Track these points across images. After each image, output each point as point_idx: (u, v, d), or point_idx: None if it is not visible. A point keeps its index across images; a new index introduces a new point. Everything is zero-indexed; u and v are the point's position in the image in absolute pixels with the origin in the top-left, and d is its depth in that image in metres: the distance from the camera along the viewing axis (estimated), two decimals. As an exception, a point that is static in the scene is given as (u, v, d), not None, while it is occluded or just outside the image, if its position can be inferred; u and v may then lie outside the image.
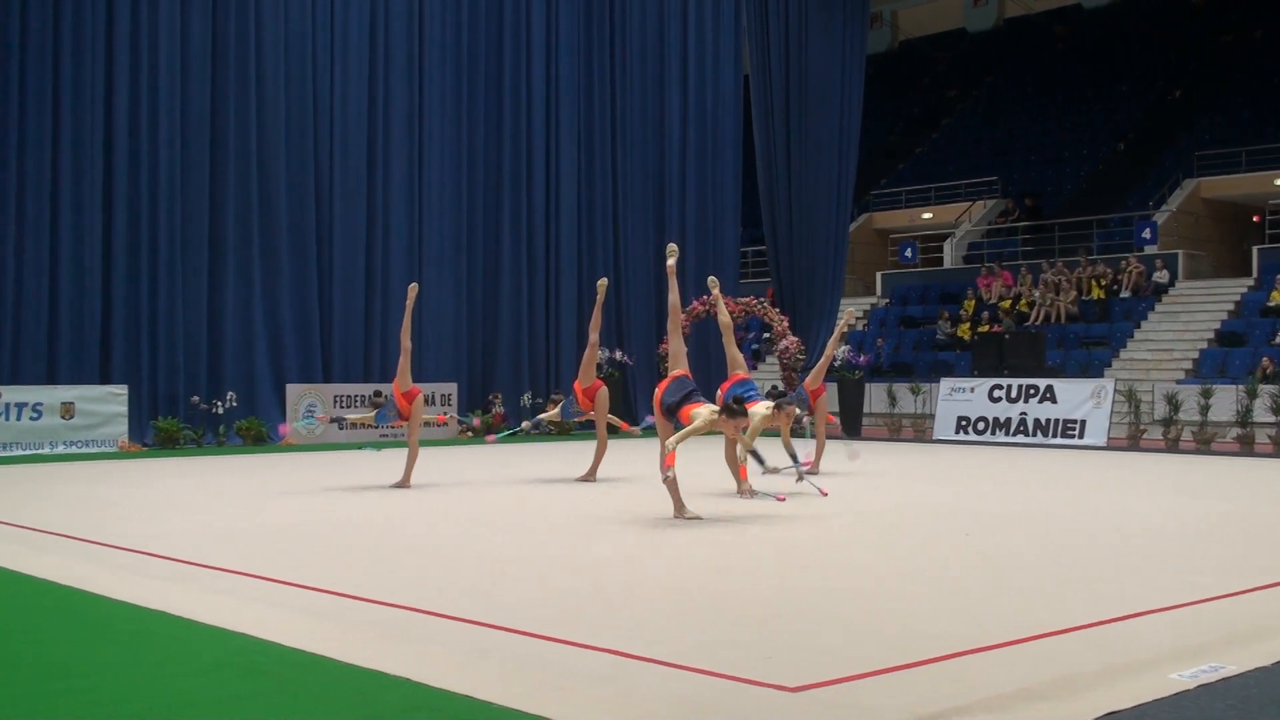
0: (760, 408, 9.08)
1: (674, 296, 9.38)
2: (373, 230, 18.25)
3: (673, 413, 8.38)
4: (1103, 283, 23.81)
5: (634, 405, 20.97)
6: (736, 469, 9.91)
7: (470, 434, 18.23)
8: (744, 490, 9.78)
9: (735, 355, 9.84)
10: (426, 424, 14.42)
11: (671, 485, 8.30)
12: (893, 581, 6.06)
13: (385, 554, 6.97)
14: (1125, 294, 23.64)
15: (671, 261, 9.53)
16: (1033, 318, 23.70)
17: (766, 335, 24.11)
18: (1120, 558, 6.97)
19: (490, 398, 18.98)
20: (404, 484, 10.71)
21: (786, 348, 19.25)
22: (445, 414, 11.15)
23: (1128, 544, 7.52)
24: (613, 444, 16.79)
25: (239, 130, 16.82)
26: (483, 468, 13.22)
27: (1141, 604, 5.44)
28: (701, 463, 12.22)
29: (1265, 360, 19.07)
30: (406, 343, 10.92)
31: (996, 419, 17.84)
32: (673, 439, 8.05)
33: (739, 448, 9.41)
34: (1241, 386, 17.29)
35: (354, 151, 18.04)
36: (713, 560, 6.74)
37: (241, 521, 8.41)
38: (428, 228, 18.84)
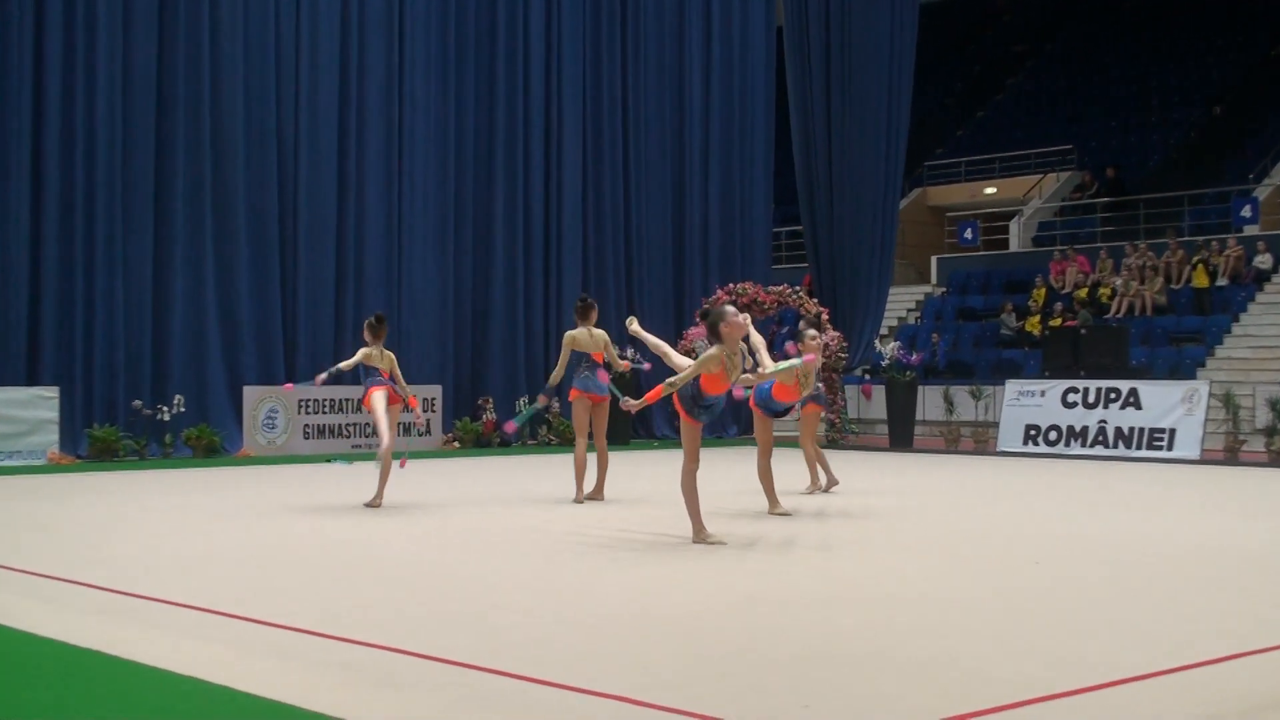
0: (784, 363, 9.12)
1: (661, 346, 9.38)
2: (344, 209, 18.28)
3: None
4: (1209, 265, 23.48)
5: (648, 411, 20.98)
6: (769, 485, 9.96)
7: (457, 444, 18.27)
8: (776, 509, 9.84)
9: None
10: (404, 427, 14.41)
11: (691, 504, 8.36)
12: (953, 616, 6.03)
13: (359, 584, 6.97)
14: (1222, 282, 23.53)
15: (635, 327, 10.20)
16: (1113, 309, 23.63)
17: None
18: (1215, 591, 6.93)
19: (480, 402, 19.00)
20: (374, 502, 10.71)
21: (826, 344, 19.20)
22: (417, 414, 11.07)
23: (1223, 575, 7.47)
24: (624, 457, 16.79)
25: (189, 93, 16.85)
26: (473, 484, 13.23)
27: (1240, 644, 5.41)
28: (726, 479, 12.20)
29: (1387, 359, 18.98)
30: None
31: (1071, 428, 17.78)
32: (675, 379, 8.01)
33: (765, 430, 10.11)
34: (1359, 390, 17.20)
35: (323, 118, 18.06)
36: (740, 592, 6.72)
37: (191, 546, 8.42)
38: (408, 207, 18.87)
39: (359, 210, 18.41)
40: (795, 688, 4.70)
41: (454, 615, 6.06)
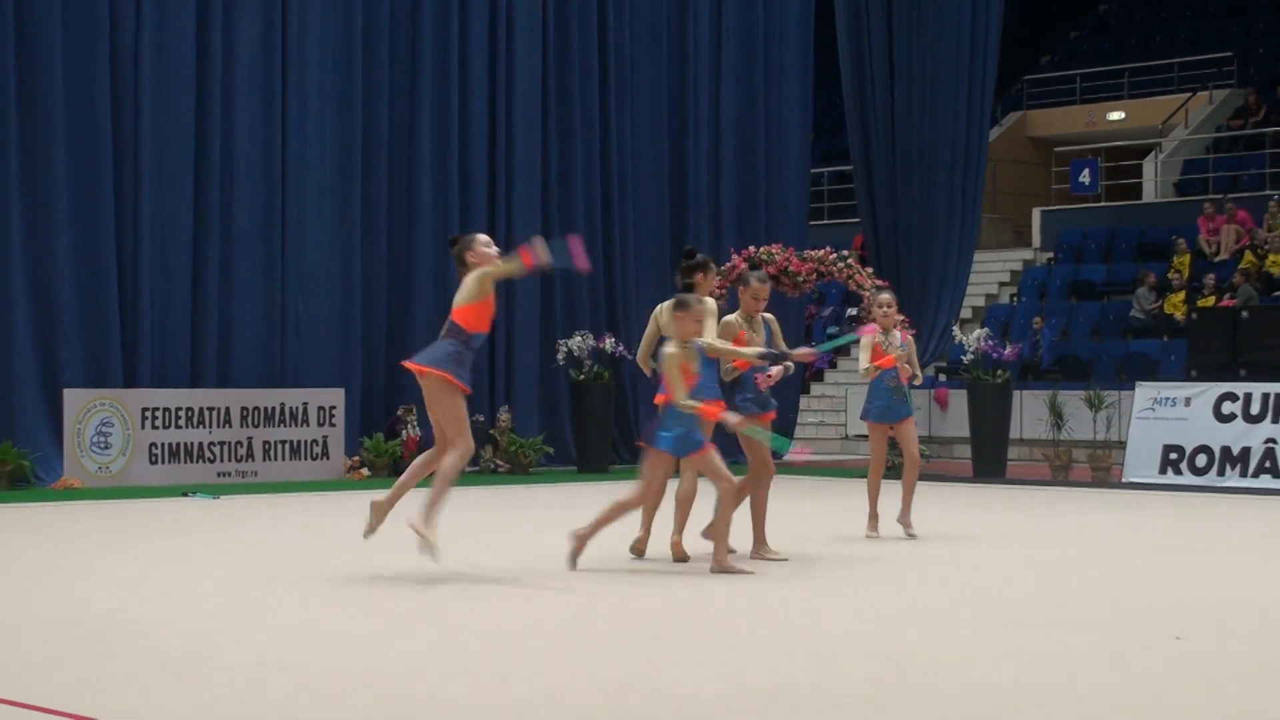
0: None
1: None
2: (206, 138, 18.24)
3: None
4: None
5: (634, 425, 21.02)
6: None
7: (366, 472, 18.26)
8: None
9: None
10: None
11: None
12: (1057, 714, 6.08)
13: (232, 669, 7.00)
14: None
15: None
16: (1288, 284, 23.73)
17: (854, 312, 24.12)
18: None
19: (400, 413, 19.01)
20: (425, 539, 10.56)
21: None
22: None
23: None
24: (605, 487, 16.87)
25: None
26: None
27: None
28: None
29: None
30: None
31: (1227, 450, 17.82)
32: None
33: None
34: None
35: (174, 11, 17.99)
36: (767, 682, 6.78)
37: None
38: (297, 136, 18.84)
39: (226, 142, 18.36)
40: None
41: (367, 711, 6.11)
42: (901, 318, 12.37)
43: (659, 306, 10.94)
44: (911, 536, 12.09)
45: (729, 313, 10.92)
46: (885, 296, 12.58)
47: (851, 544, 11.62)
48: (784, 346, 11.16)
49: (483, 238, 10.09)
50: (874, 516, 12.39)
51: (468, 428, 9.83)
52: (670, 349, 9.88)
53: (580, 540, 10.14)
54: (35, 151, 17.15)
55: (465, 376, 9.76)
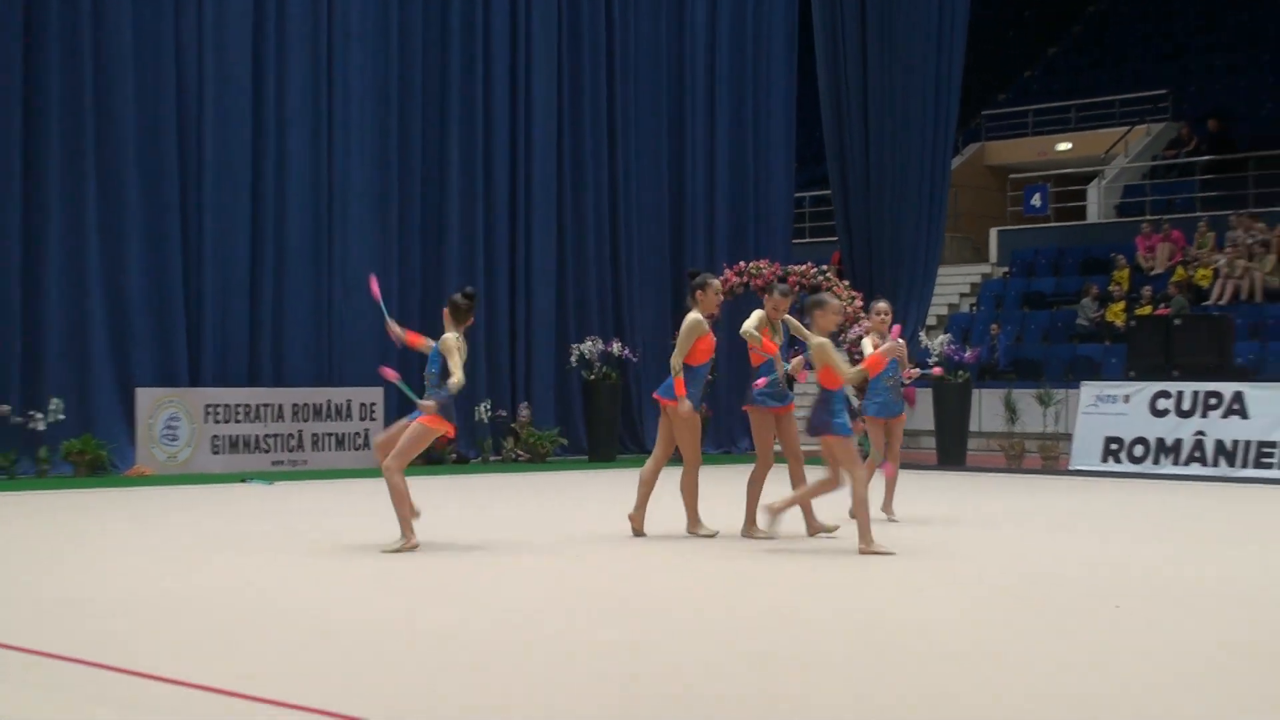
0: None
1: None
2: (261, 167, 18.24)
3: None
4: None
5: (638, 419, 21.03)
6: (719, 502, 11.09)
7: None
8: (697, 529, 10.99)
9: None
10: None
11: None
12: (1010, 675, 6.10)
13: (284, 636, 7.02)
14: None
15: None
16: (1215, 295, 23.70)
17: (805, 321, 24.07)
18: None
19: (431, 409, 19.00)
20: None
21: (859, 336, 19.27)
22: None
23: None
24: (612, 475, 16.87)
25: (63, 26, 16.77)
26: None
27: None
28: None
29: None
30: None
31: (1161, 441, 17.83)
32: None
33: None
34: None
35: (233, 51, 17.97)
36: (753, 647, 6.79)
37: (75, 587, 8.46)
38: (341, 166, 18.82)
39: (279, 170, 18.36)
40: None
41: (399, 674, 6.11)
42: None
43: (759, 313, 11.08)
44: (893, 521, 12.09)
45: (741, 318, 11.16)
46: (883, 305, 12.59)
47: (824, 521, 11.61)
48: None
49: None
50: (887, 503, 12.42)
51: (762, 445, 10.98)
52: (820, 340, 9.96)
53: (774, 512, 10.24)
54: (110, 180, 17.13)
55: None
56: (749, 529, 10.94)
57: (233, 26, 17.98)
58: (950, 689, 5.84)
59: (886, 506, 12.31)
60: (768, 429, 10.96)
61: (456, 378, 9.96)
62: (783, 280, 15.61)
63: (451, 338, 10.26)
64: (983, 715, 5.41)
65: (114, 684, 5.83)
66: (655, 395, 11.09)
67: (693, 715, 5.44)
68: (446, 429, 10.26)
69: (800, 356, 11.30)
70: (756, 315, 10.97)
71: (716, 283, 11.20)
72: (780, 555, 10.02)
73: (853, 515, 10.14)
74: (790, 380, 11.04)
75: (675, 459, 11.06)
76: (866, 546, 9.83)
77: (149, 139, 17.40)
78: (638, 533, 10.95)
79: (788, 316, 11.12)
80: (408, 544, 9.95)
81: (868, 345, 12.08)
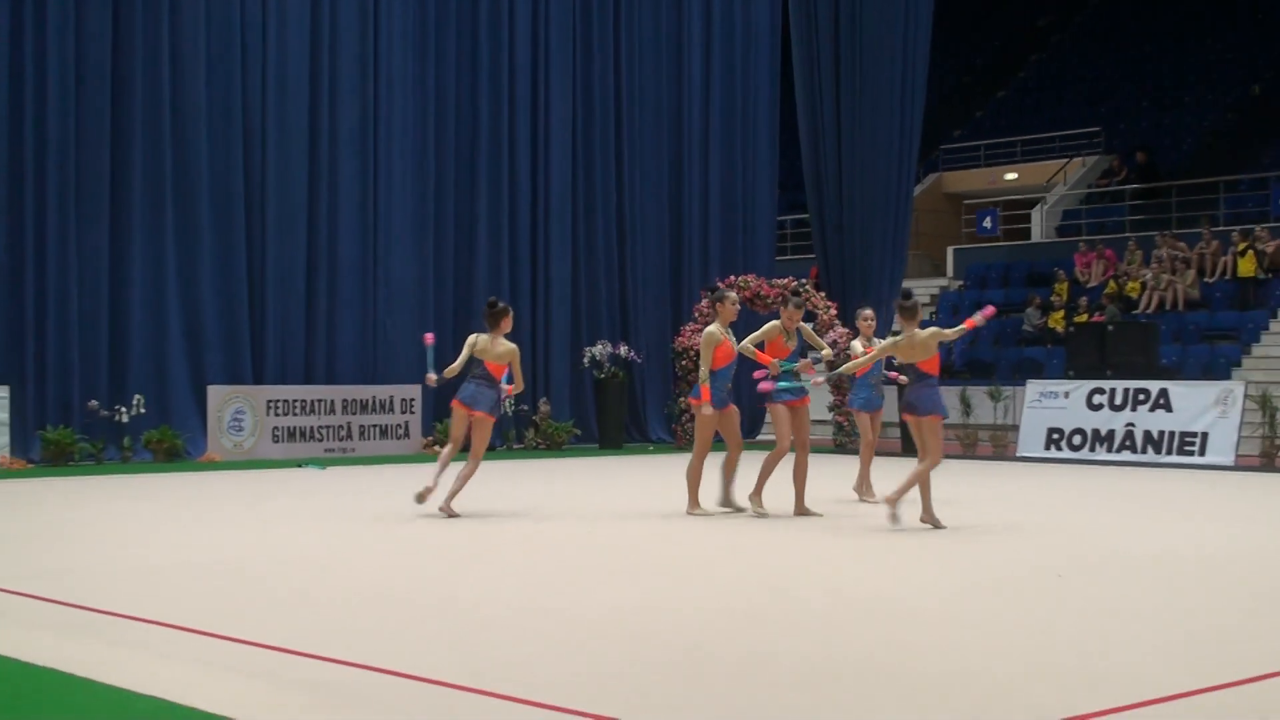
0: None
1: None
2: (315, 195, 18.26)
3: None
4: (1258, 251, 23.10)
5: (643, 413, 21.01)
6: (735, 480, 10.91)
7: (438, 449, 18.24)
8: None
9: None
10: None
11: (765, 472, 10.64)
12: (969, 633, 6.07)
13: (330, 599, 7.00)
14: (1262, 275, 23.54)
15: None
16: (1143, 305, 23.68)
17: (810, 326, 24.08)
18: (1252, 605, 6.97)
19: (463, 404, 19.00)
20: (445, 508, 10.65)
21: (835, 341, 19.25)
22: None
23: (1260, 589, 7.52)
24: (616, 462, 16.85)
25: (147, 73, 16.80)
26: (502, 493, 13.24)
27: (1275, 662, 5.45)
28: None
29: None
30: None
31: (1096, 431, 17.82)
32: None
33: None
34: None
35: (292, 97, 18.03)
36: (744, 609, 6.77)
37: (153, 557, 8.45)
38: (385, 193, 18.84)
39: (331, 196, 18.39)
40: (800, 708, 4.73)
41: (434, 632, 6.09)
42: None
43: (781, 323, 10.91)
44: (868, 501, 12.06)
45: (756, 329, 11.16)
46: (868, 311, 12.76)
47: (816, 504, 11.58)
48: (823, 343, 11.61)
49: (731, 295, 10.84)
50: (869, 487, 12.35)
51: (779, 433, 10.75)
52: (930, 330, 10.26)
53: (891, 501, 9.95)
54: (185, 208, 17.14)
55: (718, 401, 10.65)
56: (800, 507, 10.83)
57: (292, 74, 18.03)
58: (910, 644, 5.81)
59: (861, 486, 12.28)
60: (785, 420, 10.77)
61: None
62: (796, 294, 15.43)
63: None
64: (938, 666, 5.38)
65: (185, 642, 5.81)
66: (690, 399, 11.00)
67: (688, 665, 5.41)
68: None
69: (807, 359, 11.25)
70: (766, 328, 10.88)
71: (732, 295, 11.10)
72: (776, 532, 9.99)
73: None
74: (798, 375, 10.92)
75: (718, 444, 10.97)
76: (928, 515, 9.93)
77: (220, 172, 17.42)
78: (761, 513, 10.74)
79: (802, 324, 11.00)
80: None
81: (857, 346, 12.29)
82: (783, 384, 10.72)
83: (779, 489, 10.87)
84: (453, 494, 10.66)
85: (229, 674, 5.21)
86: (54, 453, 15.57)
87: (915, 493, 9.94)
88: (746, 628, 6.21)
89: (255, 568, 8.04)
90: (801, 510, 10.83)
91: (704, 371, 10.66)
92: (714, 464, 11.04)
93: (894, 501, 9.83)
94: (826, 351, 11.50)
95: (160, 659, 5.46)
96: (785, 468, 10.88)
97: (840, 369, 11.31)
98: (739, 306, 11.18)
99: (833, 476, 13.44)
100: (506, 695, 4.84)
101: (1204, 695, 4.94)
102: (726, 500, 10.99)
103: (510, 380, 11.06)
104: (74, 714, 4.70)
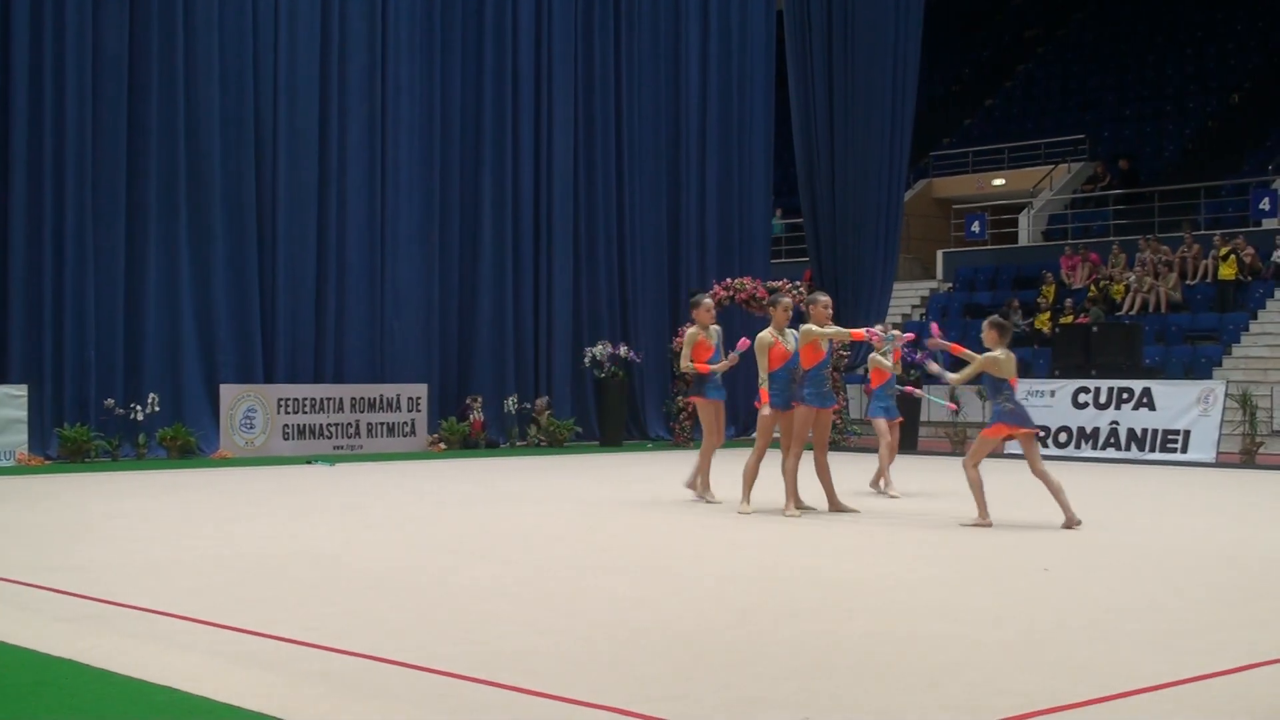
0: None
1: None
2: (325, 201, 18.25)
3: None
4: (1239, 255, 23.12)
5: (642, 411, 21.00)
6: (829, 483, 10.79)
7: (443, 445, 18.26)
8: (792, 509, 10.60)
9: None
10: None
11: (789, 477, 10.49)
12: (959, 626, 6.07)
13: (342, 591, 7.00)
14: (1243, 278, 23.55)
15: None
16: (1126, 306, 23.68)
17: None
18: (1235, 598, 6.97)
19: (468, 401, 19.01)
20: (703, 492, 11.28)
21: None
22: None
23: (1243, 582, 7.52)
24: (617, 459, 16.83)
25: (162, 80, 16.80)
26: (460, 486, 13.23)
27: (1261, 652, 5.45)
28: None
29: None
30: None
31: (1081, 429, 17.83)
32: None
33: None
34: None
35: (303, 106, 18.02)
36: (740, 601, 6.76)
37: (167, 550, 8.44)
38: (393, 198, 18.83)
39: (340, 202, 18.38)
40: (796, 699, 4.73)
41: (441, 623, 6.09)
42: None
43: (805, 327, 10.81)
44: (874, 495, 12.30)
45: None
46: (825, 298, 12.18)
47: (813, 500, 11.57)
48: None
49: (823, 298, 10.81)
50: (890, 482, 12.54)
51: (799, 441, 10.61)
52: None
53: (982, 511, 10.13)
54: (199, 214, 17.14)
55: (778, 402, 10.58)
56: (834, 502, 10.85)
57: (302, 83, 18.02)
58: (902, 635, 5.81)
59: (878, 481, 12.57)
60: (805, 423, 10.63)
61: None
62: (790, 293, 15.24)
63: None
64: (929, 657, 5.38)
65: (200, 633, 5.80)
66: (756, 403, 10.87)
67: (684, 646, 5.41)
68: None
69: (898, 331, 11.48)
70: (760, 337, 10.75)
71: (707, 299, 11.24)
72: (772, 527, 9.99)
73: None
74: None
75: (774, 444, 10.88)
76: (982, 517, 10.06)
77: (232, 178, 17.42)
78: (843, 508, 10.81)
79: (820, 324, 10.80)
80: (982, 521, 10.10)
81: (883, 360, 12.73)
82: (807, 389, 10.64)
83: (806, 491, 10.78)
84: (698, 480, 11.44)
85: (243, 665, 5.21)
86: (71, 450, 15.56)
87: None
88: (744, 619, 6.21)
89: (268, 561, 8.03)
90: (837, 506, 10.80)
91: (762, 375, 10.61)
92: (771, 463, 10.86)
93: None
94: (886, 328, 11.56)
95: (176, 650, 5.46)
96: (808, 471, 10.82)
97: (951, 377, 11.45)
98: (790, 313, 11.00)
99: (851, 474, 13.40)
100: (513, 685, 4.84)
101: (1186, 686, 4.95)
102: (797, 503, 10.65)
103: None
104: (91, 704, 4.69)
